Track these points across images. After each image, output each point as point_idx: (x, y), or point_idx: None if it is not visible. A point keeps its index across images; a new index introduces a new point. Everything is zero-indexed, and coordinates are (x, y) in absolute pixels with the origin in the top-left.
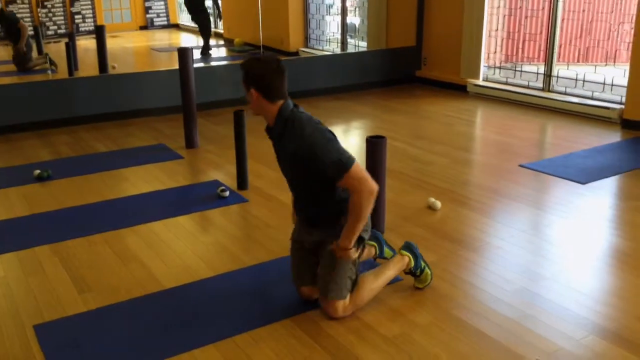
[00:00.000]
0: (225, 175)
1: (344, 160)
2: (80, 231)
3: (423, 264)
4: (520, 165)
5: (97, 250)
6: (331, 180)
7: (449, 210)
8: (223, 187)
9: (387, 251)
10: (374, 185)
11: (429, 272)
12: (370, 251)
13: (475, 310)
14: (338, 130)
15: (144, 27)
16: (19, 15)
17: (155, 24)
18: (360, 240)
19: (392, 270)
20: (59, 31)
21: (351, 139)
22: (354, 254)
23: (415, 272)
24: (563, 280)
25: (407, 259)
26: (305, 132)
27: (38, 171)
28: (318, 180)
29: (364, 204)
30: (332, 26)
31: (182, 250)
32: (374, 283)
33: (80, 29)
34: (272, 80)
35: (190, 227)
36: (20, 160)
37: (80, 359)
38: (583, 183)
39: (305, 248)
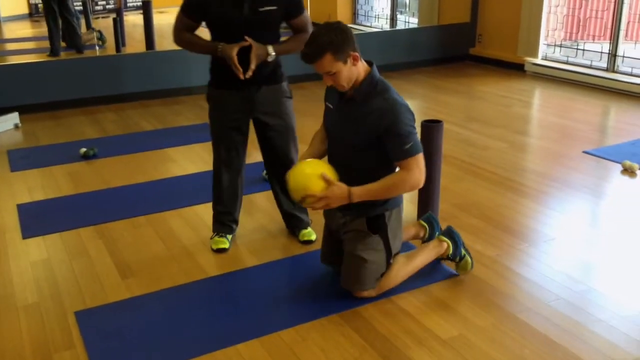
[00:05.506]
0: None
1: (416, 144)
2: (125, 212)
3: (463, 252)
4: (584, 152)
5: (142, 233)
6: (391, 157)
7: (508, 199)
8: None
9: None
10: (422, 182)
11: (470, 260)
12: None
13: (539, 312)
14: None
15: None
16: None
17: None
18: (380, 219)
19: (426, 255)
20: (107, 6)
21: None
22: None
23: (454, 259)
24: (635, 279)
25: (445, 245)
26: (395, 101)
27: (84, 149)
28: (377, 153)
29: (402, 187)
30: (381, 2)
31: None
32: (404, 268)
33: (129, 4)
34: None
35: None
36: (66, 137)
37: (121, 347)
38: None
39: (331, 230)
